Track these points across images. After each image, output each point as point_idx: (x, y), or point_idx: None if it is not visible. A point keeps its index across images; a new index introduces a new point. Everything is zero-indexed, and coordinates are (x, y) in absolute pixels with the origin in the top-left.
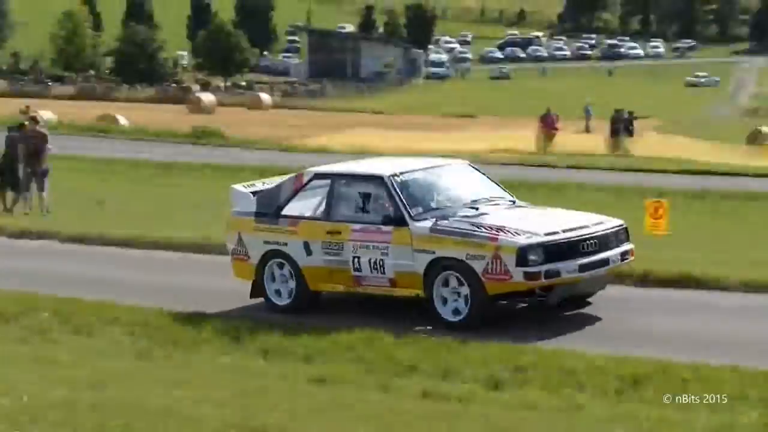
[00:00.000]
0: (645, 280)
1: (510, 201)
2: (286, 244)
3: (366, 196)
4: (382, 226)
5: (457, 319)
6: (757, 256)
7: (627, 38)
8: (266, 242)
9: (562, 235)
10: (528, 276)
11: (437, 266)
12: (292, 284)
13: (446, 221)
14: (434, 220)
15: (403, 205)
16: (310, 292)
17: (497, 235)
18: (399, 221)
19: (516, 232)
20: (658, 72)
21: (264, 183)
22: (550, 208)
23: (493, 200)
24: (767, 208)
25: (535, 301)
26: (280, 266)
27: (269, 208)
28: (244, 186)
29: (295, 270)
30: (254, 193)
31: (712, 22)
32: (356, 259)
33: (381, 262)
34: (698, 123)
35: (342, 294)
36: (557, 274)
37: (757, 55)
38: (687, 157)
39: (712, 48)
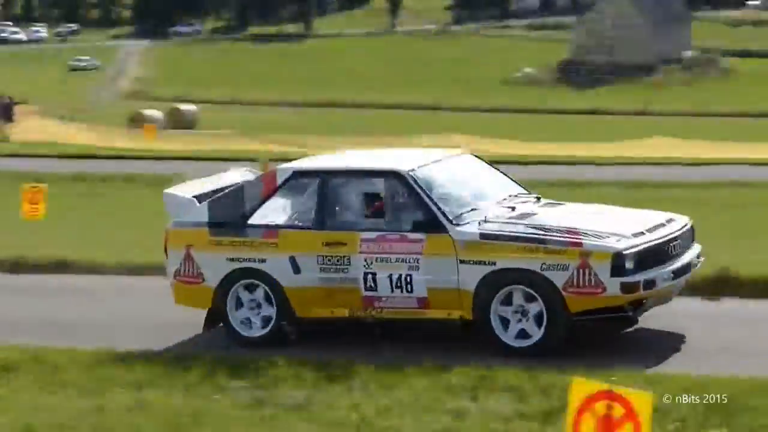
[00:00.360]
0: (16, 269)
1: (535, 197)
2: (263, 261)
3: (374, 198)
4: (408, 234)
5: (523, 344)
6: (126, 237)
7: (9, 23)
8: (231, 260)
9: (649, 237)
10: (625, 288)
11: (497, 280)
12: (270, 310)
13: (495, 224)
14: (477, 223)
15: (436, 206)
16: (297, 318)
17: (580, 238)
18: (434, 226)
19: (598, 235)
20: (41, 56)
21: (204, 184)
22: (584, 204)
23: (520, 196)
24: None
25: (618, 317)
26: (252, 288)
27: (229, 216)
28: (178, 189)
29: (275, 293)
30: (199, 198)
31: (96, 6)
32: (370, 276)
33: (408, 278)
34: (80, 107)
35: None
36: (654, 284)
37: (140, 38)
38: (67, 141)
39: (96, 31)
